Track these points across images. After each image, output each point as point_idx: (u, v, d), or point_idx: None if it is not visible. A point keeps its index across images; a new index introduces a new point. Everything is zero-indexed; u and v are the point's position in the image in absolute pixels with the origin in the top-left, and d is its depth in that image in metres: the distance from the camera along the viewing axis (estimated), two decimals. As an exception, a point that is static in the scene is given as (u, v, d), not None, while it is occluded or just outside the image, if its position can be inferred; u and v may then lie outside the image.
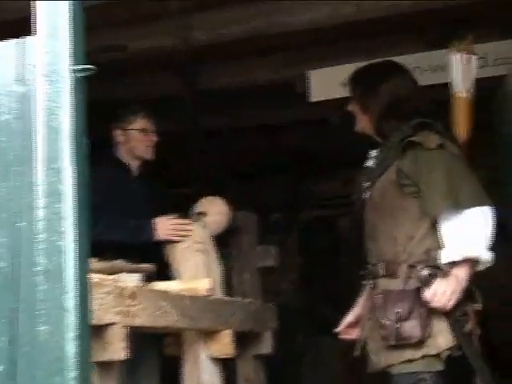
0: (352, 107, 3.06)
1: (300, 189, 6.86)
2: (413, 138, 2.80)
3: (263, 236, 4.39)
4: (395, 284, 2.77)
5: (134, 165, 3.78)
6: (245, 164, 6.32)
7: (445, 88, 3.68)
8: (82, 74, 1.88)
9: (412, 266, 2.75)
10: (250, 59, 4.76)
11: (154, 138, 3.78)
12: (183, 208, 3.68)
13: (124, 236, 3.41)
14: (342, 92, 4.19)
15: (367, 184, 2.98)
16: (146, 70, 4.64)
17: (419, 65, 4.18)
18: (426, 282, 2.69)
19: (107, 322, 2.44)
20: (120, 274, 2.74)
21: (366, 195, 2.96)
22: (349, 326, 3.06)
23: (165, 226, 3.46)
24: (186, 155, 5.01)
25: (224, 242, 3.78)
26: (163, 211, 3.58)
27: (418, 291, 2.71)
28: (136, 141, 3.74)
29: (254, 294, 3.77)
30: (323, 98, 4.41)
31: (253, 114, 5.49)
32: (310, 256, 6.77)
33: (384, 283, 2.82)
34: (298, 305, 6.51)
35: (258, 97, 5.11)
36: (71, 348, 1.80)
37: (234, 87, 4.90)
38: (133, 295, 2.59)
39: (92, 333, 2.41)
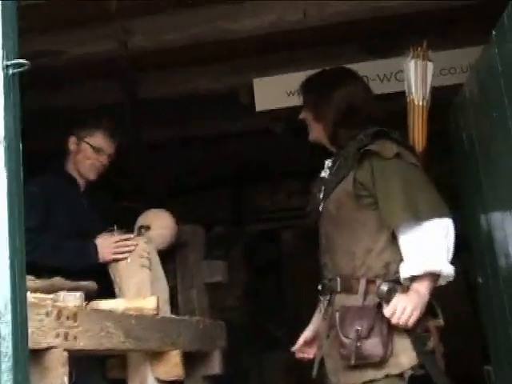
0: (304, 115, 2.93)
1: (244, 201, 6.73)
2: (370, 147, 2.69)
3: (208, 250, 4.23)
4: (353, 300, 2.65)
5: (80, 179, 3.56)
6: (188, 176, 6.15)
7: (397, 96, 3.61)
8: (16, 71, 1.69)
9: (371, 281, 2.64)
10: (191, 67, 4.60)
11: (105, 162, 3.53)
12: (130, 223, 3.49)
13: (65, 261, 3.22)
14: (287, 101, 4.11)
15: (322, 195, 2.85)
16: (84, 77, 4.41)
17: (366, 74, 4.08)
18: (386, 297, 2.58)
19: (46, 345, 2.24)
20: (59, 293, 2.53)
21: (321, 207, 2.83)
22: (305, 343, 2.92)
23: (107, 246, 3.28)
24: (129, 168, 4.83)
25: (169, 257, 3.60)
26: (109, 227, 3.38)
27: (378, 307, 2.59)
28: (84, 157, 3.50)
29: (201, 312, 3.59)
30: (268, 108, 4.26)
31: (196, 124, 5.33)
32: (255, 270, 6.64)
33: (341, 299, 2.70)
34: (242, 321, 6.36)
35: (202, 107, 4.96)
36: (7, 379, 1.60)
37: (177, 96, 4.73)
38: (74, 316, 2.39)
39: (30, 358, 2.23)
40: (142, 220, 3.40)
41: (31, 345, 2.14)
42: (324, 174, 2.90)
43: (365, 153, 2.69)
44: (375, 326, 2.55)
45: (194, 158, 5.83)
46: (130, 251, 3.22)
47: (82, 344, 2.41)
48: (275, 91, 4.11)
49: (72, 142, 3.52)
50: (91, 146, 3.47)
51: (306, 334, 2.94)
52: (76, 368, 3.01)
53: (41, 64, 4.06)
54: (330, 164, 2.88)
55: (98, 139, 3.49)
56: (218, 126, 5.36)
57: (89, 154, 3.49)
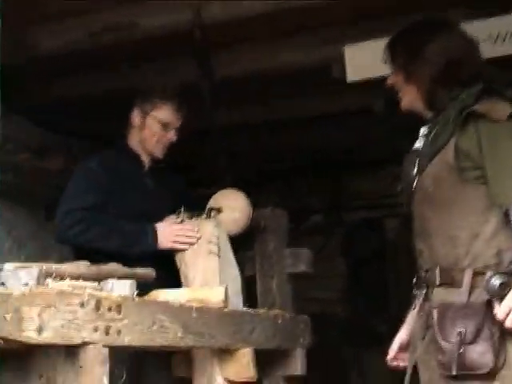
0: (394, 79, 2.48)
1: (343, 188, 6.31)
2: (476, 108, 2.22)
3: (299, 239, 3.87)
4: (456, 295, 2.20)
5: (145, 155, 3.26)
6: (277, 161, 5.78)
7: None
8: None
9: (478, 273, 2.18)
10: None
11: (173, 137, 3.22)
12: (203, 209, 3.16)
13: (119, 245, 2.94)
14: (384, 70, 3.66)
15: (416, 170, 2.40)
16: (155, 54, 4.10)
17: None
18: (499, 293, 2.11)
19: (81, 341, 1.93)
20: (108, 281, 2.22)
21: (415, 184, 2.39)
22: (400, 349, 2.49)
23: (168, 234, 2.98)
24: (207, 153, 4.50)
25: (247, 244, 3.24)
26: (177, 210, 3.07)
27: (487, 305, 2.13)
28: (150, 133, 3.19)
29: (282, 305, 3.22)
30: (361, 78, 3.83)
31: (283, 105, 4.95)
32: (355, 262, 6.22)
33: (441, 294, 2.26)
34: (342, 315, 5.97)
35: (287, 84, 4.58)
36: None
37: (259, 73, 4.37)
38: (117, 307, 2.07)
39: (64, 354, 1.93)
40: (212, 202, 3.07)
41: (61, 340, 1.85)
42: (418, 144, 2.45)
43: (469, 115, 2.22)
44: (483, 329, 2.10)
45: (284, 141, 5.46)
46: (191, 242, 2.90)
47: (128, 339, 2.10)
48: (369, 59, 3.65)
49: (136, 115, 3.22)
50: (158, 120, 3.17)
51: (401, 337, 2.49)
52: (137, 365, 2.74)
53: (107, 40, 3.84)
54: (425, 132, 2.43)
55: (165, 112, 3.18)
56: (311, 104, 4.96)
57: (155, 130, 3.18)
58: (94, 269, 2.28)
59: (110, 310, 2.04)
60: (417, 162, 2.40)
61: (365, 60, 3.69)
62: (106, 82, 4.42)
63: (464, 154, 2.23)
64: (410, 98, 2.44)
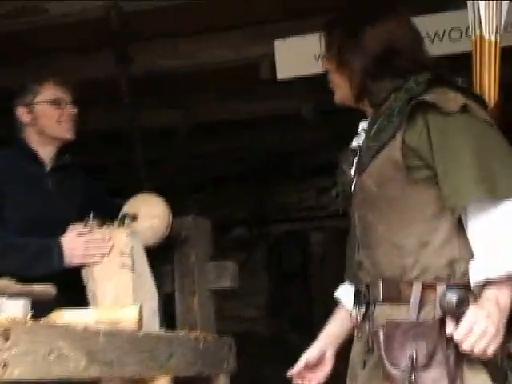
0: (327, 65, 2.16)
1: (268, 199, 6.02)
2: (425, 97, 1.94)
3: (221, 253, 3.54)
4: (403, 313, 1.92)
5: (47, 153, 2.87)
6: (198, 169, 5.46)
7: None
8: None
9: (428, 286, 1.91)
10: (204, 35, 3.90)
11: (72, 110, 2.88)
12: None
13: (18, 266, 2.55)
14: (316, 67, 3.37)
15: (355, 169, 2.10)
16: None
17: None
18: (455, 311, 1.84)
19: (-46, 377, 1.53)
20: (-5, 300, 1.84)
21: (354, 185, 2.09)
22: (307, 367, 2.19)
23: (77, 247, 2.60)
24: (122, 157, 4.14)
25: (165, 256, 2.89)
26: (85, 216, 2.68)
27: (440, 323, 1.85)
28: (46, 117, 2.84)
29: (205, 325, 2.87)
30: (291, 75, 3.54)
31: (205, 107, 4.65)
32: (279, 277, 5.94)
33: (385, 312, 1.97)
34: (264, 333, 5.67)
35: (216, 84, 4.27)
36: None
37: (183, 70, 4.06)
38: (4, 333, 1.68)
39: None
40: (126, 207, 2.70)
41: None
42: (357, 142, 2.15)
43: (417, 105, 1.94)
44: (437, 352, 1.82)
45: (205, 147, 5.13)
46: (103, 254, 2.53)
47: (18, 372, 1.70)
48: (301, 55, 3.37)
49: (22, 113, 2.88)
50: (47, 101, 2.85)
51: (311, 353, 2.20)
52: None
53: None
54: (365, 127, 2.13)
55: (49, 91, 2.87)
56: (234, 108, 4.65)
57: (49, 113, 2.84)
58: (-21, 285, 1.88)
59: (-6, 336, 1.65)
60: (355, 160, 2.11)
61: (296, 56, 3.41)
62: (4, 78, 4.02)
63: (412, 151, 1.95)
64: (343, 92, 2.13)
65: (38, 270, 2.55)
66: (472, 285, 1.87)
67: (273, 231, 6.08)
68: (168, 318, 2.81)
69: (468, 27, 2.71)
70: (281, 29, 3.76)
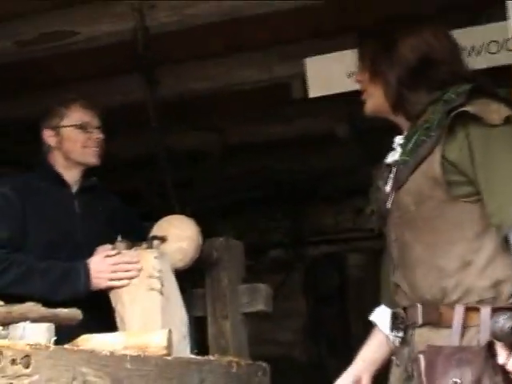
0: (360, 76, 2.10)
1: (304, 221, 5.93)
2: (467, 108, 1.84)
3: (256, 276, 3.47)
4: (444, 337, 1.83)
5: (72, 176, 2.82)
6: (233, 191, 5.39)
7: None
8: None
9: (471, 309, 1.81)
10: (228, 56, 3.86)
11: (98, 136, 2.83)
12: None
13: (43, 289, 2.49)
14: (349, 85, 3.29)
15: (391, 186, 2.00)
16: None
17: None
18: (508, 337, 1.72)
19: (-29, 405, 1.48)
20: (18, 325, 1.79)
21: (390, 203, 1.99)
22: None
23: (104, 270, 2.53)
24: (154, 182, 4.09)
25: (196, 279, 2.82)
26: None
27: (488, 349, 1.75)
28: (72, 141, 2.79)
29: (237, 350, 2.79)
30: (323, 94, 3.45)
31: (240, 127, 4.58)
32: (316, 300, 5.83)
33: (425, 336, 1.88)
34: (301, 358, 5.55)
35: (236, 106, 4.21)
36: None
37: (212, 92, 4.00)
38: (25, 359, 1.63)
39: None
40: (156, 229, 2.63)
41: None
42: (392, 157, 2.06)
43: (458, 117, 1.85)
44: (484, 379, 1.72)
45: (238, 169, 5.07)
46: (132, 276, 2.47)
47: (39, 400, 1.65)
48: (333, 72, 3.29)
49: (48, 136, 2.83)
50: (74, 125, 2.80)
51: (345, 379, 2.11)
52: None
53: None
54: (402, 141, 2.04)
55: (76, 114, 2.82)
56: (267, 129, 4.59)
57: (75, 137, 2.79)
58: (1, 309, 1.83)
59: (13, 362, 1.60)
60: (391, 176, 2.02)
61: (327, 74, 3.33)
62: (35, 103, 4.01)
63: (452, 166, 1.86)
64: (375, 101, 2.05)
65: (63, 293, 2.49)
66: None
67: (309, 253, 5.98)
68: (200, 343, 2.73)
69: (507, 40, 2.64)
70: (311, 47, 3.70)
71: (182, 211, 3.32)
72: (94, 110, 2.86)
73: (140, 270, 2.44)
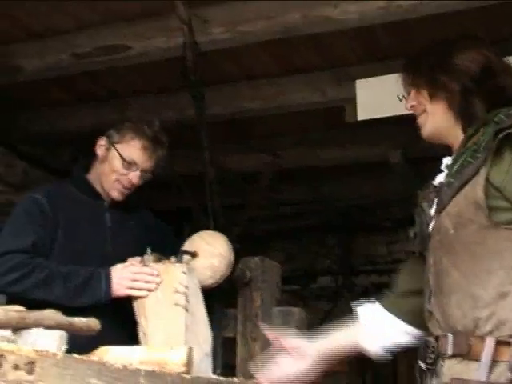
0: (415, 99, 2.03)
1: (355, 249, 5.80)
2: None
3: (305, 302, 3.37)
4: (473, 370, 1.73)
5: (104, 192, 2.79)
6: (284, 217, 5.32)
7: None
8: None
9: (503, 343, 1.71)
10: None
11: (136, 180, 2.73)
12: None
13: (61, 293, 2.47)
14: (399, 108, 3.19)
15: (435, 209, 1.93)
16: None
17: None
18: None
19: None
20: (31, 331, 1.75)
21: (432, 225, 1.92)
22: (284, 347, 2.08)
23: (124, 278, 2.48)
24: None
25: (228, 298, 2.76)
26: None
27: None
28: (111, 168, 2.72)
29: (266, 374, 2.69)
30: (373, 117, 3.38)
31: (292, 153, 4.51)
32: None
33: (454, 368, 1.78)
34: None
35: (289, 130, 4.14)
36: None
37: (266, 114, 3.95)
38: (29, 365, 1.58)
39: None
40: (187, 244, 2.58)
41: None
42: (439, 179, 1.99)
43: (506, 139, 1.77)
44: None
45: (291, 194, 5.00)
46: (149, 288, 2.42)
47: (42, 409, 1.60)
48: (383, 95, 3.22)
49: (101, 145, 2.78)
50: (121, 155, 2.71)
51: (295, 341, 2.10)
52: None
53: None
54: (449, 162, 1.96)
55: (131, 149, 2.72)
56: (320, 154, 4.51)
57: (116, 166, 2.72)
58: (15, 314, 1.80)
59: (16, 368, 1.55)
60: (436, 199, 1.94)
61: (378, 96, 3.25)
62: (93, 115, 4.04)
63: (496, 190, 1.77)
64: (436, 119, 1.99)
65: (84, 297, 2.46)
66: None
67: (359, 282, 5.84)
68: (228, 366, 2.66)
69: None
70: (365, 71, 3.63)
71: (229, 232, 3.27)
72: (150, 154, 2.74)
73: (165, 285, 2.39)
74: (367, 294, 5.81)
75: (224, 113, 3.87)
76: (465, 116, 1.94)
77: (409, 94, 2.08)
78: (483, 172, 1.77)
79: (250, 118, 4.09)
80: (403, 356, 5.51)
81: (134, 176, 2.71)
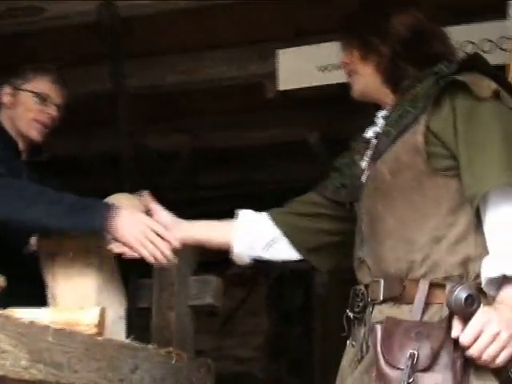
0: (347, 58, 2.02)
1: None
2: (457, 77, 1.78)
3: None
4: (404, 313, 1.73)
5: (20, 143, 2.66)
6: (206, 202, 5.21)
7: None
8: None
9: (436, 285, 1.73)
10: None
11: (54, 113, 2.66)
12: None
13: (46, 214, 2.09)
14: (321, 78, 3.15)
15: (369, 159, 1.93)
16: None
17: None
18: (463, 309, 1.60)
19: None
20: None
21: (365, 176, 1.92)
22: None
23: (134, 223, 2.07)
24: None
25: (143, 266, 2.65)
26: None
27: (448, 323, 1.64)
28: (24, 109, 2.62)
29: (181, 343, 2.61)
30: (294, 87, 3.33)
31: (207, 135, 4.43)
32: (279, 318, 5.67)
33: (384, 312, 1.78)
34: (261, 375, 5.37)
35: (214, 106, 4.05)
36: None
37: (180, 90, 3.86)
38: None
39: None
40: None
41: None
42: (372, 131, 1.98)
43: (446, 87, 1.78)
44: (442, 354, 1.61)
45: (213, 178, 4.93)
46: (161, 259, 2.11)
47: None
48: (306, 64, 3.18)
49: (6, 93, 2.67)
50: (33, 92, 2.63)
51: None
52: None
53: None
54: (386, 114, 1.95)
55: (42, 84, 2.66)
56: (234, 136, 4.44)
57: (30, 105, 2.63)
58: None
59: None
60: (367, 151, 1.95)
61: (299, 67, 3.21)
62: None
63: (435, 137, 1.78)
64: (365, 80, 1.98)
65: (64, 222, 2.08)
66: (483, 282, 1.66)
67: (274, 270, 5.82)
68: (142, 335, 2.55)
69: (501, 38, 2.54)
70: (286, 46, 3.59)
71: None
72: (62, 89, 2.69)
73: (76, 245, 2.23)
74: (283, 280, 5.81)
75: (143, 85, 3.74)
76: (392, 79, 1.94)
77: (343, 52, 2.07)
78: (423, 119, 1.78)
79: (171, 94, 3.98)
80: (320, 340, 5.50)
81: (52, 109, 2.65)
